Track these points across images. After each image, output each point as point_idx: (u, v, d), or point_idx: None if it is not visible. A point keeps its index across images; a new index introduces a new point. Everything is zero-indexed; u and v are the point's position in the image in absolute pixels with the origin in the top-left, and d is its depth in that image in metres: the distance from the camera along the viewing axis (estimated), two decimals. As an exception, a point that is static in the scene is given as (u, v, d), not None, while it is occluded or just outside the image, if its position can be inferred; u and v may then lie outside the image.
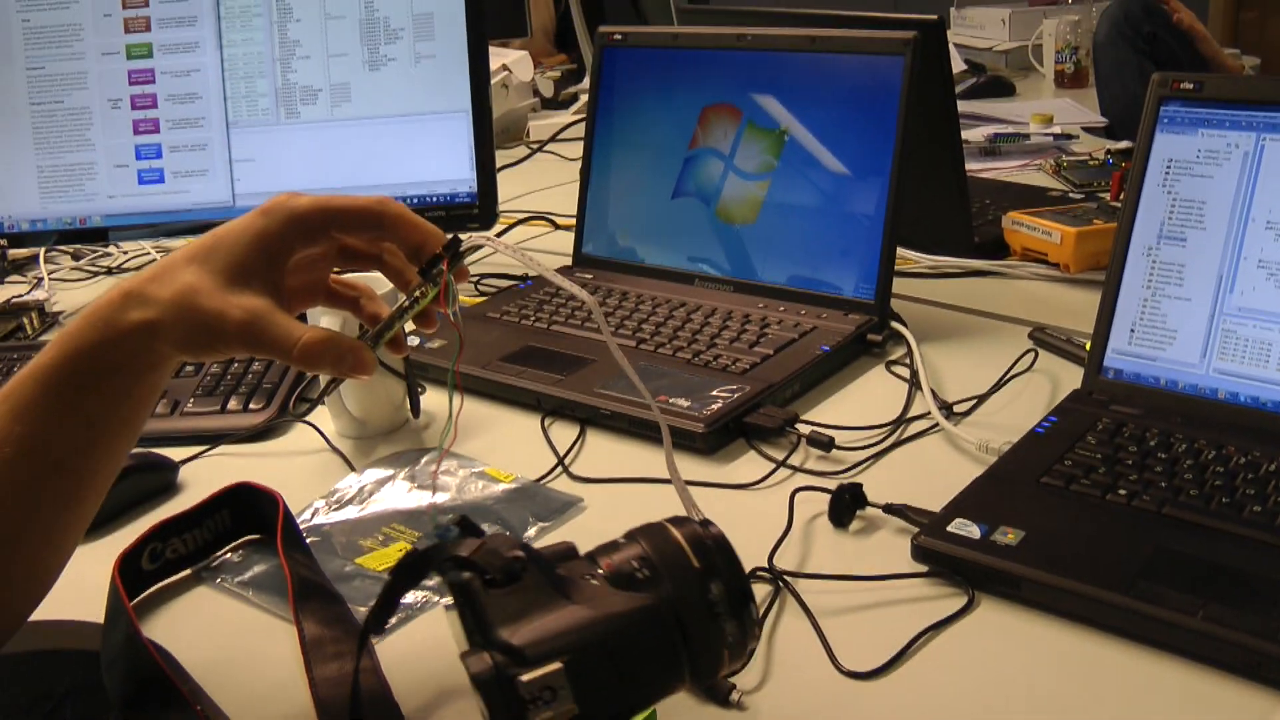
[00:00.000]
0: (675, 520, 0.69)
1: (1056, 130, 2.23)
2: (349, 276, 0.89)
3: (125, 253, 1.93)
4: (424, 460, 1.13)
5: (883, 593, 0.89)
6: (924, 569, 0.91)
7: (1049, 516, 0.92)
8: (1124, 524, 0.91)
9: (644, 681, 0.64)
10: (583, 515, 1.04)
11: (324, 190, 1.50)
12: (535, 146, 2.42)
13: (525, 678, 0.60)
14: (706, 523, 0.69)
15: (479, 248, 0.81)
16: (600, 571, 0.66)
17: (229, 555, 0.99)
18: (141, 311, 0.74)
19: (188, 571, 0.97)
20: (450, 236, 0.80)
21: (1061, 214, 1.54)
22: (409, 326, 0.83)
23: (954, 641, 0.84)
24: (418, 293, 0.80)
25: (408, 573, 0.67)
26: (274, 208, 0.78)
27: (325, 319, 1.10)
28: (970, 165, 2.03)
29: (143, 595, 0.94)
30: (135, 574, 0.93)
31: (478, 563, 0.64)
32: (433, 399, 1.24)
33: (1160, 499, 0.93)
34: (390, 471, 1.11)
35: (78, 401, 0.76)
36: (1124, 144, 2.09)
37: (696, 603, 0.65)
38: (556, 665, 0.60)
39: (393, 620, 0.89)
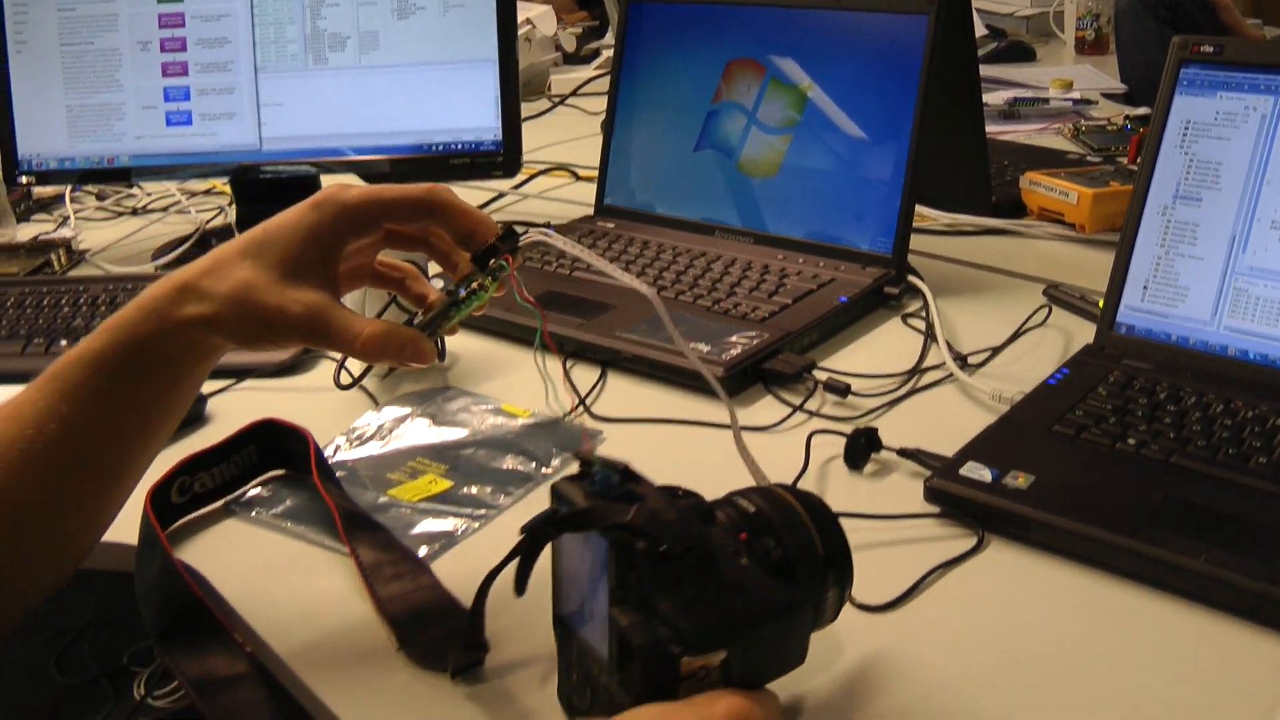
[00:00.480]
0: (794, 492, 0.73)
1: (1076, 95, 2.24)
2: (392, 258, 0.91)
3: (149, 194, 1.96)
4: (441, 397, 1.16)
5: (895, 532, 0.91)
6: (936, 510, 0.93)
7: (1059, 463, 0.95)
8: (1132, 472, 0.94)
9: (781, 666, 0.67)
10: (603, 447, 1.07)
11: (352, 135, 1.54)
12: (557, 100, 2.44)
13: (689, 660, 0.62)
14: (809, 496, 0.73)
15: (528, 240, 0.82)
16: (743, 548, 0.68)
17: (258, 490, 1.02)
18: (197, 306, 0.76)
19: (217, 505, 1.00)
20: (506, 227, 0.81)
21: (1079, 175, 1.56)
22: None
23: (964, 580, 0.86)
24: (475, 284, 0.80)
25: (564, 525, 0.66)
26: (325, 201, 0.79)
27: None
28: (990, 128, 2.04)
29: (171, 528, 0.96)
30: (165, 507, 0.95)
31: (652, 533, 0.63)
32: (458, 342, 1.26)
33: (1168, 449, 0.95)
34: (408, 409, 1.14)
35: (127, 389, 0.78)
36: (1143, 110, 2.10)
37: (823, 595, 0.70)
38: (721, 655, 0.63)
39: (434, 547, 0.93)
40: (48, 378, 0.78)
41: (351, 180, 1.39)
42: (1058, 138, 2.03)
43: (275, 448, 1.02)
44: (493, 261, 0.80)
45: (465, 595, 0.85)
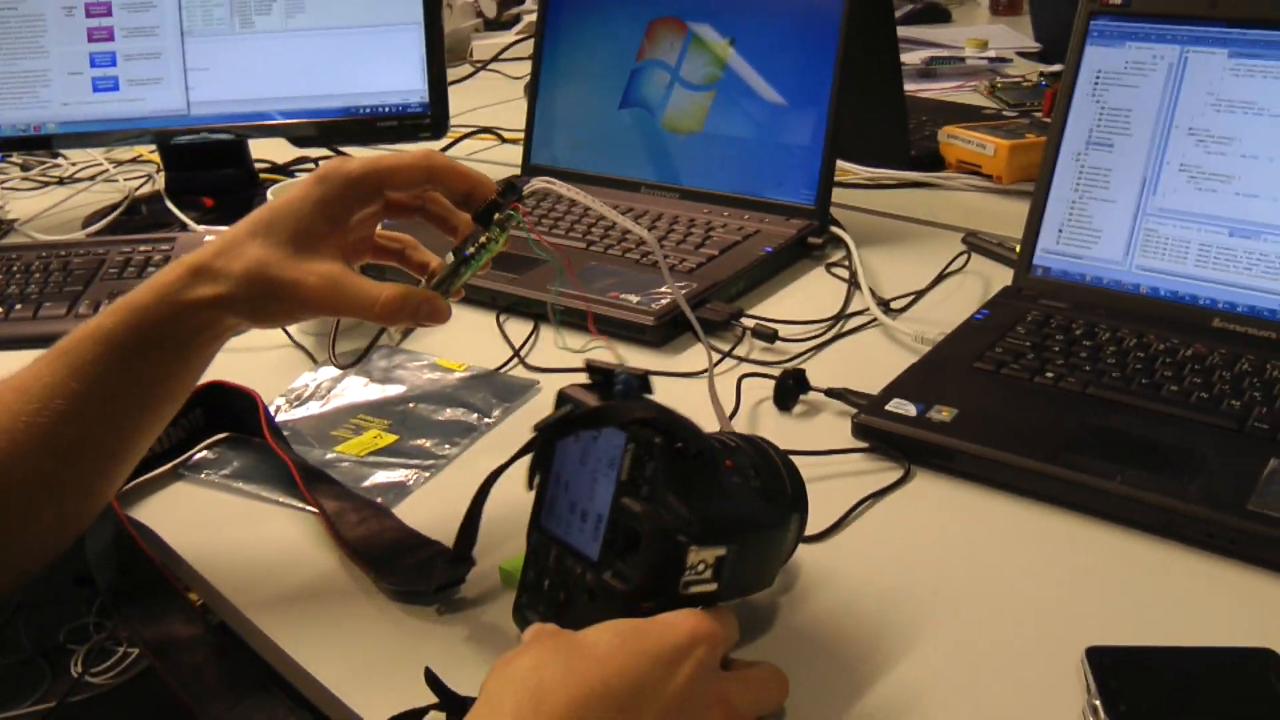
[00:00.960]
0: (769, 445, 0.78)
1: (991, 54, 2.27)
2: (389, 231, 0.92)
3: (74, 164, 1.95)
4: (375, 355, 1.18)
5: (825, 467, 0.94)
6: (864, 445, 0.97)
7: (981, 397, 0.98)
8: (1051, 403, 0.97)
9: (757, 582, 0.75)
10: (540, 396, 1.09)
11: (278, 99, 1.55)
12: (479, 65, 2.44)
13: (695, 550, 0.67)
14: (772, 443, 0.78)
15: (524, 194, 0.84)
16: (734, 470, 0.72)
17: (204, 453, 1.03)
18: (211, 287, 0.78)
19: (165, 468, 1.00)
20: (507, 181, 0.83)
21: (995, 128, 1.60)
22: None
23: (892, 510, 0.90)
24: (482, 239, 0.82)
25: (588, 421, 0.71)
26: (329, 174, 0.80)
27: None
28: (908, 86, 2.07)
29: (118, 491, 0.97)
30: None
31: (671, 430, 0.68)
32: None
33: (1085, 381, 0.99)
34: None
35: (138, 368, 0.80)
36: (1056, 67, 2.14)
37: (796, 525, 0.77)
38: (722, 550, 0.68)
39: (388, 498, 0.95)
40: (57, 353, 0.79)
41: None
42: (974, 95, 2.07)
43: (222, 410, 1.03)
44: (497, 215, 0.82)
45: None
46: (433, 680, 0.70)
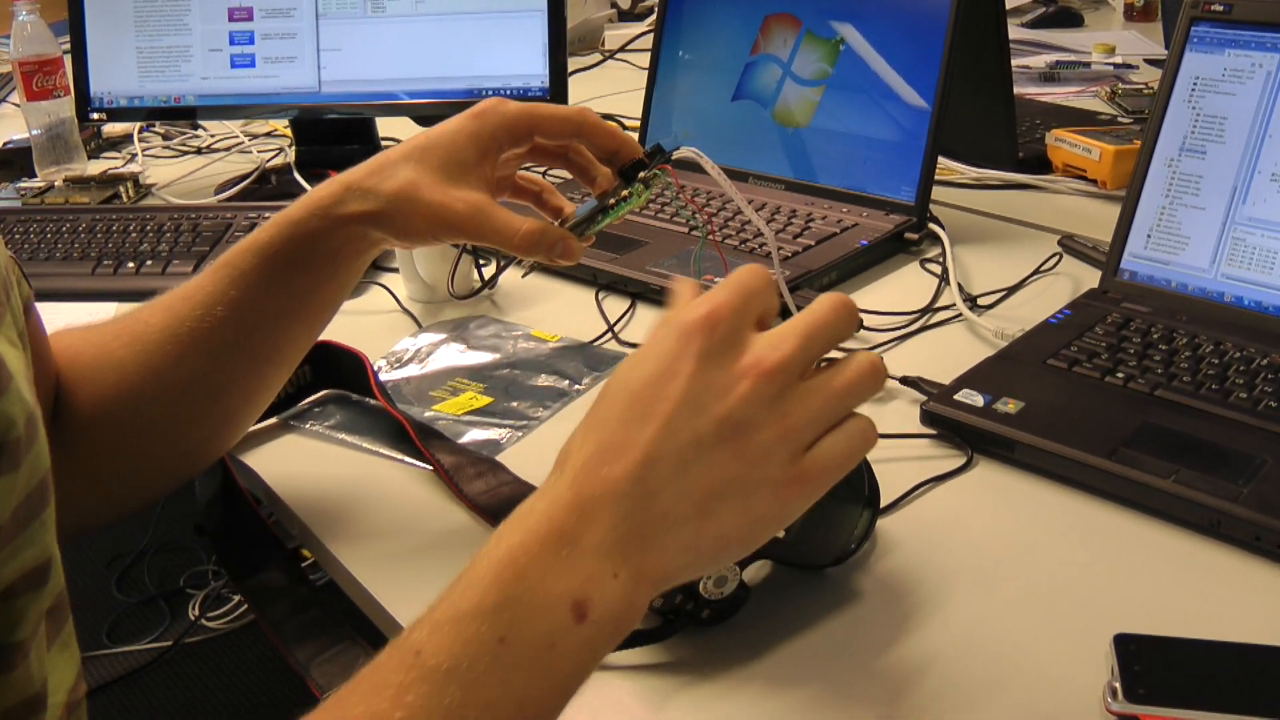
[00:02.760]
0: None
1: (1118, 60, 2.26)
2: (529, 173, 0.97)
3: (213, 135, 2.05)
4: (472, 324, 1.24)
5: (891, 450, 0.98)
6: (931, 431, 1.00)
7: (1049, 392, 1.01)
8: (1117, 402, 1.00)
9: (819, 550, 0.80)
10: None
11: (404, 80, 1.62)
12: (609, 54, 2.50)
13: None
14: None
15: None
16: None
17: (310, 407, 1.09)
18: (362, 204, 0.84)
19: (273, 420, 1.07)
20: (656, 145, 0.88)
21: (1105, 133, 1.60)
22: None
23: (951, 494, 0.93)
24: (625, 192, 0.87)
25: None
26: (487, 111, 0.85)
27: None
28: (1029, 89, 2.10)
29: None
30: None
31: None
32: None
33: (1154, 382, 1.01)
34: (443, 335, 1.22)
35: (290, 278, 0.86)
36: (1180, 76, 2.13)
37: (866, 519, 0.83)
38: None
39: (485, 452, 1.00)
40: (219, 265, 0.86)
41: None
42: (1094, 100, 2.07)
43: (329, 368, 1.09)
44: (643, 174, 0.86)
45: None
46: None
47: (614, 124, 0.88)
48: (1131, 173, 1.48)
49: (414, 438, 0.98)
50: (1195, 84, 1.18)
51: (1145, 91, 2.04)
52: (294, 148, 1.81)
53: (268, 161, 1.83)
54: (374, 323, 1.27)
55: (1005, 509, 0.91)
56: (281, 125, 2.02)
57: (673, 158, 0.87)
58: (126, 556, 2.47)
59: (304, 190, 1.66)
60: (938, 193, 1.41)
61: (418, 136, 0.86)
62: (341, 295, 0.91)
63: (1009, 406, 0.98)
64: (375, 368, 1.15)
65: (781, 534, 0.72)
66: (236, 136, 2.01)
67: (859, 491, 0.81)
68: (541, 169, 1.22)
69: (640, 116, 1.66)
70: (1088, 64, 2.25)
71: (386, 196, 0.83)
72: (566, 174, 0.92)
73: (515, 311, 1.27)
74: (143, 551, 2.48)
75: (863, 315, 1.16)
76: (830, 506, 0.74)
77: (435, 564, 0.84)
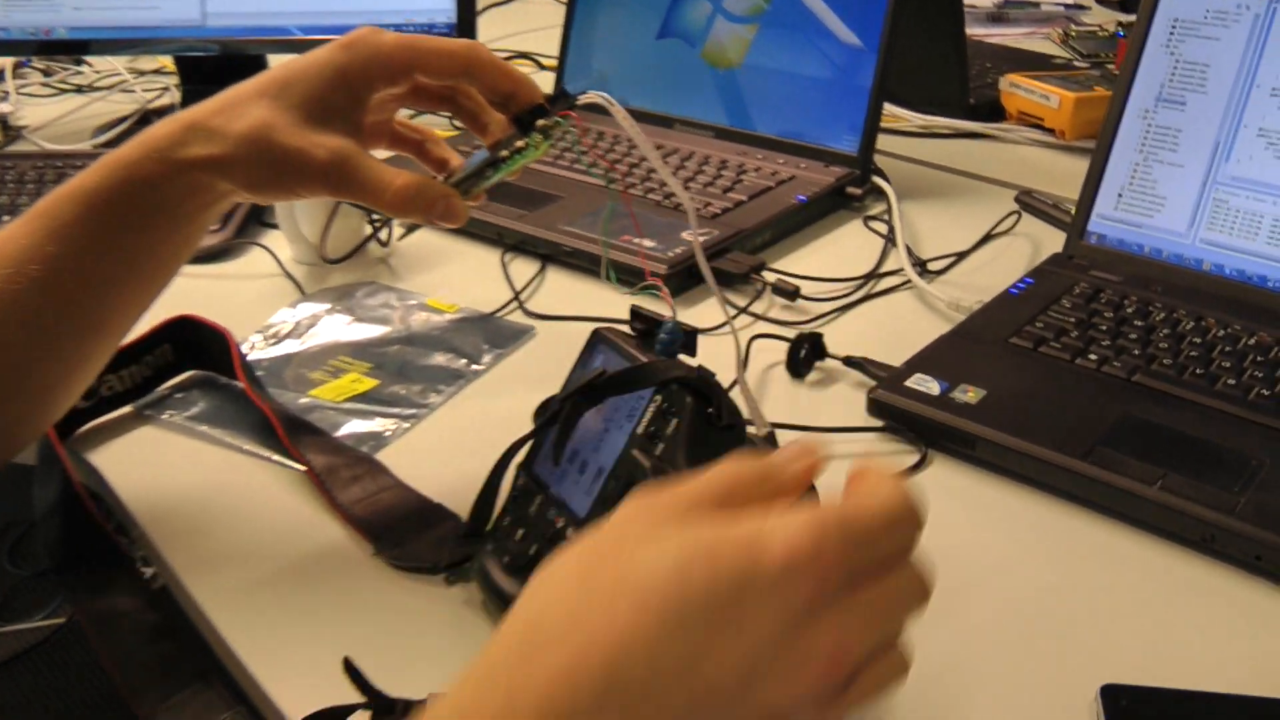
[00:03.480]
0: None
1: (1069, 0, 2.16)
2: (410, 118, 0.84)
3: (98, 72, 1.87)
4: (360, 292, 1.09)
5: (833, 446, 0.85)
6: (878, 424, 0.87)
7: (1013, 377, 0.89)
8: (1091, 389, 0.87)
9: None
10: (534, 342, 1.01)
11: (298, 14, 1.46)
12: (529, -13, 2.34)
13: None
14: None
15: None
16: None
17: (171, 392, 0.94)
18: (206, 146, 0.70)
19: (127, 409, 0.92)
20: (560, 88, 0.74)
21: (1062, 79, 1.48)
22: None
23: (902, 499, 0.80)
24: (520, 143, 0.73)
25: (616, 388, 0.63)
26: (357, 42, 0.72)
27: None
28: (976, 30, 1.97)
29: (77, 433, 0.89)
30: (68, 413, 0.85)
31: (711, 396, 0.60)
32: (397, 230, 1.20)
33: (1131, 366, 0.89)
34: (326, 305, 1.07)
35: (120, 235, 0.71)
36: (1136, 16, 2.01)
37: None
38: None
39: (363, 450, 0.86)
40: (34, 214, 0.70)
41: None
42: (1046, 43, 1.95)
43: (192, 347, 0.95)
44: (542, 121, 0.72)
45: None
46: (353, 673, 0.61)
47: (509, 63, 0.74)
48: (1095, 123, 1.38)
49: (281, 433, 0.84)
50: (1174, 27, 1.05)
51: (1100, 34, 1.93)
52: (180, 87, 1.64)
53: (150, 102, 1.67)
54: (252, 289, 1.12)
55: (966, 518, 0.79)
56: (171, 62, 1.85)
57: (578, 103, 0.72)
58: (18, 527, 2.31)
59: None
60: (881, 142, 1.28)
61: (276, 69, 0.72)
62: (182, 255, 0.76)
63: (968, 395, 0.85)
64: (248, 344, 1.01)
65: None
66: (121, 75, 1.84)
67: None
68: (426, 113, 1.07)
69: (558, 56, 1.51)
70: (1037, 3, 2.14)
71: (235, 139, 0.69)
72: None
73: (411, 276, 1.13)
74: (35, 522, 2.31)
75: (799, 282, 1.04)
76: None
77: (296, 599, 0.72)
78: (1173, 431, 0.82)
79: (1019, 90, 1.49)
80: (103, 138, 1.56)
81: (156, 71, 1.86)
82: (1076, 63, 1.78)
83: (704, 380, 0.61)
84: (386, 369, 0.97)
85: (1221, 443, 0.81)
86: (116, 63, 1.87)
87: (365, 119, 0.73)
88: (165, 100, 1.67)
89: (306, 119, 0.70)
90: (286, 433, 0.84)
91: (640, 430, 0.61)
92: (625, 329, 0.70)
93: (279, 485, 0.83)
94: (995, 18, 2.07)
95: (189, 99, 1.58)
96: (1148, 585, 0.73)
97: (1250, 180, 1.00)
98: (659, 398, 0.61)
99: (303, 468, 0.82)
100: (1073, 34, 1.93)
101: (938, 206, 1.27)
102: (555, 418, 0.64)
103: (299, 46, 1.50)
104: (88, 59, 1.90)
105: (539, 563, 0.62)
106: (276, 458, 0.85)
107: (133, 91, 1.76)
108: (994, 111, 1.53)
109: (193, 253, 0.76)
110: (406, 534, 0.76)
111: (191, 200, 0.72)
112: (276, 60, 1.58)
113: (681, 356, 0.66)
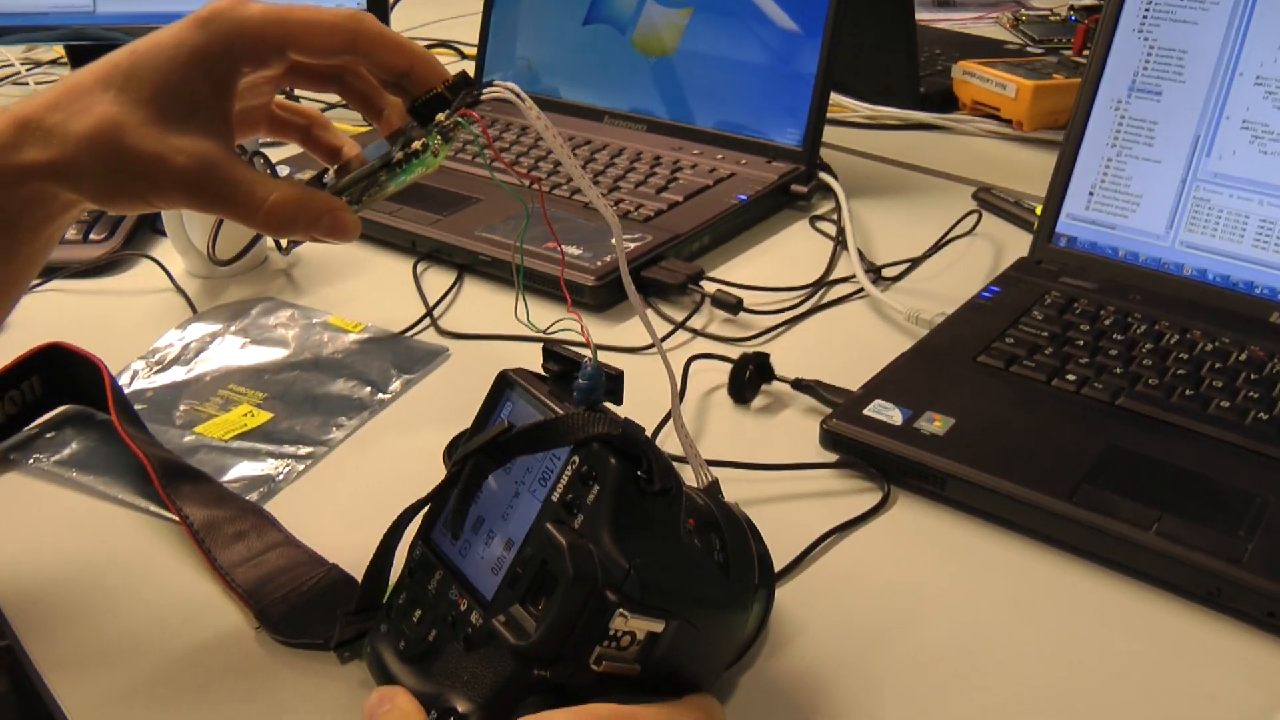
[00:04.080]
0: (745, 518, 0.59)
1: (1016, -16, 2.08)
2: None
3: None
4: (256, 310, 0.98)
5: (783, 485, 0.75)
6: (834, 458, 0.77)
7: (984, 402, 0.79)
8: (1071, 415, 0.78)
9: (690, 678, 0.53)
10: (447, 366, 0.91)
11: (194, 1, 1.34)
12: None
13: (623, 615, 0.47)
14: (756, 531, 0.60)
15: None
16: (695, 531, 0.55)
17: (41, 431, 0.83)
18: (43, 150, 0.57)
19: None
20: (460, 74, 0.62)
21: (1018, 66, 1.39)
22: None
23: (864, 545, 0.71)
24: (417, 143, 0.60)
25: (525, 445, 0.52)
26: (215, 16, 0.58)
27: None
28: (922, 15, 1.88)
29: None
30: None
31: (640, 457, 0.50)
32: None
33: (1114, 388, 0.80)
34: (218, 326, 0.96)
35: None
36: (1089, 0, 1.93)
37: (755, 622, 0.60)
38: (658, 625, 0.49)
39: (252, 497, 0.75)
40: None
41: None
42: (995, 28, 1.86)
43: (64, 378, 0.83)
44: (442, 115, 0.60)
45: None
46: None
47: (402, 37, 0.62)
48: (1055, 113, 1.31)
49: (155, 482, 0.73)
50: (1148, 9, 0.96)
51: (1052, 19, 1.84)
52: (72, 78, 1.52)
53: (39, 95, 1.54)
54: (140, 307, 1.00)
55: (935, 566, 0.69)
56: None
57: (482, 98, 0.61)
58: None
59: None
60: (827, 134, 1.18)
61: (120, 53, 0.59)
62: (24, 277, 0.63)
63: (935, 425, 0.76)
64: (129, 372, 0.89)
65: (635, 667, 0.50)
66: (11, 65, 1.71)
67: (745, 590, 0.57)
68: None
69: (477, 44, 1.40)
70: (984, -13, 2.04)
71: (76, 141, 0.56)
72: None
73: (314, 290, 1.02)
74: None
75: (741, 293, 0.95)
76: (702, 622, 0.51)
77: (169, 677, 0.62)
78: (1165, 464, 0.73)
79: (973, 79, 1.40)
80: (-14, 136, 1.43)
81: (55, 62, 1.74)
82: (1030, 49, 1.69)
83: (630, 439, 0.50)
84: (282, 399, 0.86)
85: (1220, 477, 0.72)
86: (9, 53, 1.74)
87: (233, 108, 0.61)
88: (56, 94, 1.55)
89: (160, 116, 0.57)
90: (162, 481, 0.73)
91: (555, 498, 0.50)
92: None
93: (156, 542, 0.72)
94: (941, 2, 1.99)
95: (81, 93, 1.46)
96: (1146, 645, 0.63)
97: (1233, 177, 0.91)
98: (576, 458, 0.51)
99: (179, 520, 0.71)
100: (1023, 19, 1.84)
101: (890, 205, 1.18)
102: (454, 481, 0.53)
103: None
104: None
105: (437, 655, 0.52)
106: (155, 508, 0.74)
107: (25, 84, 1.63)
108: (946, 101, 1.44)
109: (36, 272, 0.64)
110: (295, 604, 0.65)
111: (30, 213, 0.59)
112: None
113: (606, 404, 0.55)
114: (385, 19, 1.38)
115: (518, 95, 0.59)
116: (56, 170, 0.57)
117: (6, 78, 1.68)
